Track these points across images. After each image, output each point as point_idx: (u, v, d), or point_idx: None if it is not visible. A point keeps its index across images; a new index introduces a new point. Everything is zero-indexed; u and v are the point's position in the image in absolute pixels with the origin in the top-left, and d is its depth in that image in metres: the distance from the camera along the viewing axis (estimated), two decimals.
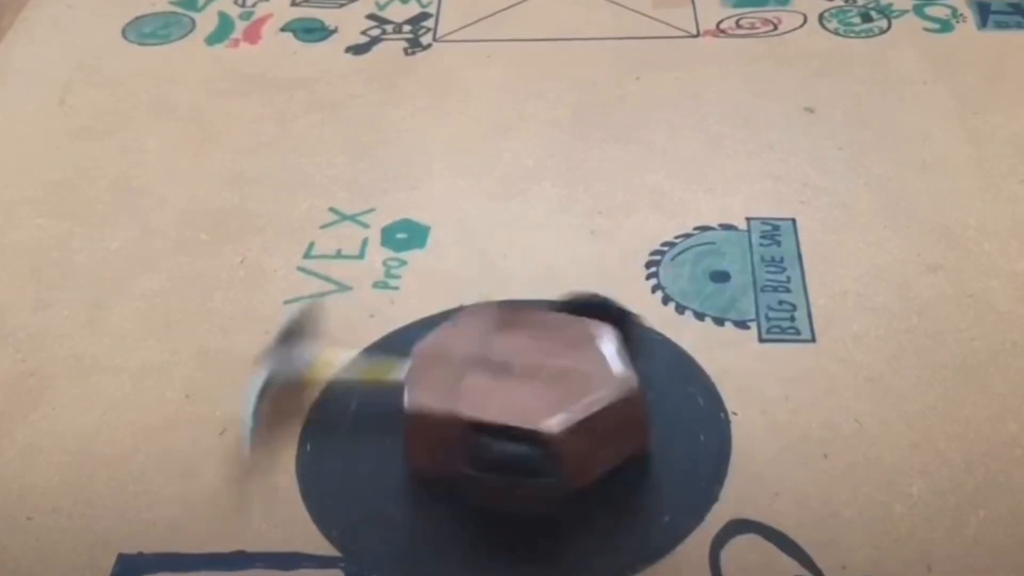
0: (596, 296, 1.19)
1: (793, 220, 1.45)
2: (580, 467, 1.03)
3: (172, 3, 1.95)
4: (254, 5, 1.94)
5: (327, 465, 1.19)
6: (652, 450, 1.11)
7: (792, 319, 1.32)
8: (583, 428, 1.02)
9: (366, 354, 1.21)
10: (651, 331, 1.21)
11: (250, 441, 1.11)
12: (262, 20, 1.90)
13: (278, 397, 1.18)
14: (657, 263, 1.40)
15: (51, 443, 1.22)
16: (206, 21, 1.90)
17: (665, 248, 1.42)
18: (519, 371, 1.07)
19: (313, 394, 1.22)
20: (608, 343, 1.10)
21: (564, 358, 1.08)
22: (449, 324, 1.17)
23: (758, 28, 1.83)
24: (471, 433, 1.01)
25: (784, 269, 1.38)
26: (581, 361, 1.08)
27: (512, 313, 1.16)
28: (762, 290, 1.36)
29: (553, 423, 1.01)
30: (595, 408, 1.03)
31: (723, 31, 1.82)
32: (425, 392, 1.07)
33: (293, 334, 1.21)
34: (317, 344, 1.21)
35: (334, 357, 1.18)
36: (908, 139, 1.58)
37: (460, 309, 1.24)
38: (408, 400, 1.07)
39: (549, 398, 1.04)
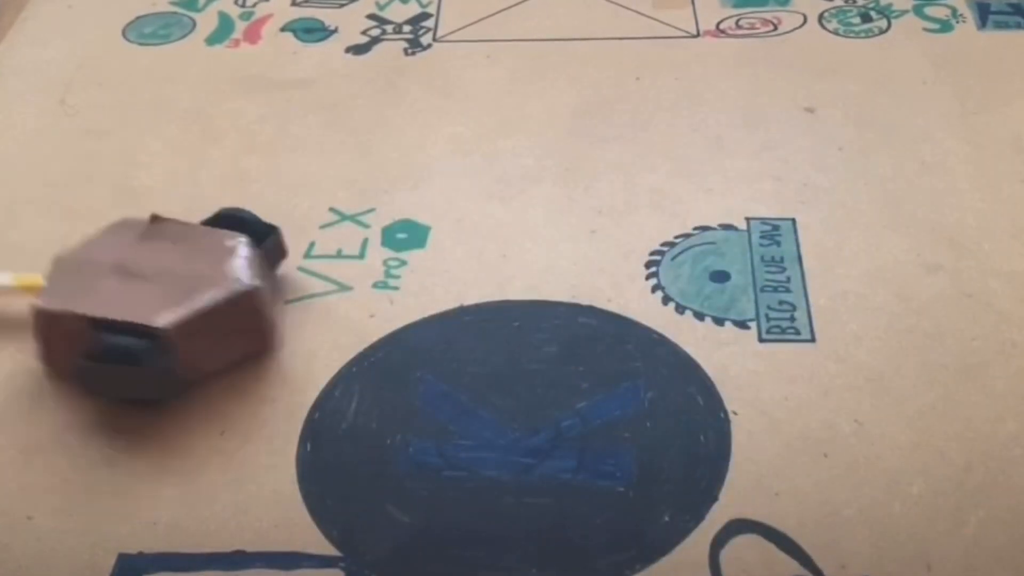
0: (240, 210, 1.34)
1: (793, 220, 1.45)
2: (192, 359, 1.18)
3: (172, 3, 1.95)
4: (254, 5, 1.94)
5: (327, 465, 1.19)
6: (279, 348, 1.26)
7: (792, 319, 1.32)
8: (191, 323, 1.16)
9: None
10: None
11: None
12: (262, 20, 1.90)
13: None
14: (657, 263, 1.40)
15: (51, 443, 1.22)
16: (206, 21, 1.91)
17: (665, 248, 1.42)
18: (148, 275, 1.21)
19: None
20: (238, 252, 1.25)
21: (193, 264, 1.23)
22: (96, 235, 1.29)
23: (758, 28, 1.83)
24: (90, 329, 1.15)
25: (784, 269, 1.38)
26: (207, 266, 1.22)
27: (158, 225, 1.30)
28: (762, 290, 1.36)
29: (162, 318, 1.15)
30: (202, 305, 1.17)
31: (723, 31, 1.83)
32: (56, 294, 1.20)
33: None
34: None
35: None
36: (908, 139, 1.58)
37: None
38: (41, 301, 1.20)
39: (166, 297, 1.18)
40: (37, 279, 1.26)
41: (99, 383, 1.19)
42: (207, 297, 1.18)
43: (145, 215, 1.51)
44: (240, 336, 1.25)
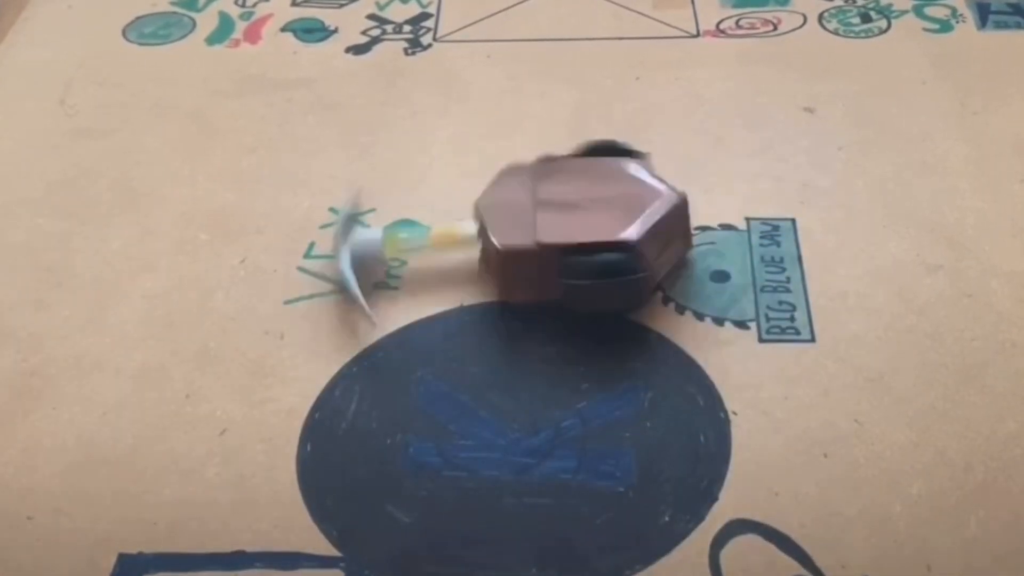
0: (605, 141, 1.42)
1: (793, 220, 1.45)
2: (652, 267, 1.29)
3: (172, 3, 1.95)
4: (254, 5, 1.94)
5: (327, 465, 1.19)
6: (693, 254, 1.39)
7: (792, 319, 1.32)
8: (650, 233, 1.27)
9: (416, 225, 1.42)
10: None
11: (365, 303, 1.30)
12: (262, 20, 1.90)
13: (361, 269, 1.35)
14: None
15: (51, 443, 1.22)
16: (206, 21, 1.91)
17: None
18: (578, 204, 1.32)
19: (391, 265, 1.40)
20: (640, 171, 1.36)
21: (610, 189, 1.33)
22: (496, 182, 1.39)
23: (758, 28, 1.83)
24: (562, 255, 1.26)
25: (784, 269, 1.38)
26: (626, 188, 1.33)
27: (546, 164, 1.39)
28: (762, 290, 1.36)
29: (629, 233, 1.26)
30: (658, 216, 1.29)
31: (723, 31, 1.82)
32: (508, 233, 1.30)
33: (352, 219, 1.40)
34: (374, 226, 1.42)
35: (399, 232, 1.38)
36: (908, 139, 1.58)
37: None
38: (498, 242, 1.29)
39: (615, 217, 1.28)
40: (453, 232, 1.36)
41: (583, 300, 1.29)
42: (655, 209, 1.29)
43: (146, 215, 1.52)
44: (676, 241, 1.34)
